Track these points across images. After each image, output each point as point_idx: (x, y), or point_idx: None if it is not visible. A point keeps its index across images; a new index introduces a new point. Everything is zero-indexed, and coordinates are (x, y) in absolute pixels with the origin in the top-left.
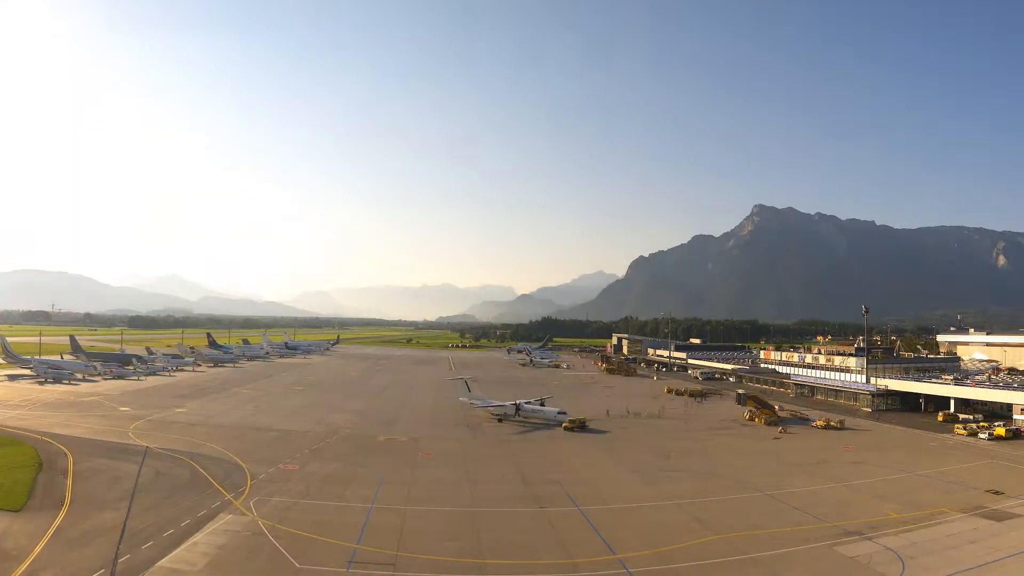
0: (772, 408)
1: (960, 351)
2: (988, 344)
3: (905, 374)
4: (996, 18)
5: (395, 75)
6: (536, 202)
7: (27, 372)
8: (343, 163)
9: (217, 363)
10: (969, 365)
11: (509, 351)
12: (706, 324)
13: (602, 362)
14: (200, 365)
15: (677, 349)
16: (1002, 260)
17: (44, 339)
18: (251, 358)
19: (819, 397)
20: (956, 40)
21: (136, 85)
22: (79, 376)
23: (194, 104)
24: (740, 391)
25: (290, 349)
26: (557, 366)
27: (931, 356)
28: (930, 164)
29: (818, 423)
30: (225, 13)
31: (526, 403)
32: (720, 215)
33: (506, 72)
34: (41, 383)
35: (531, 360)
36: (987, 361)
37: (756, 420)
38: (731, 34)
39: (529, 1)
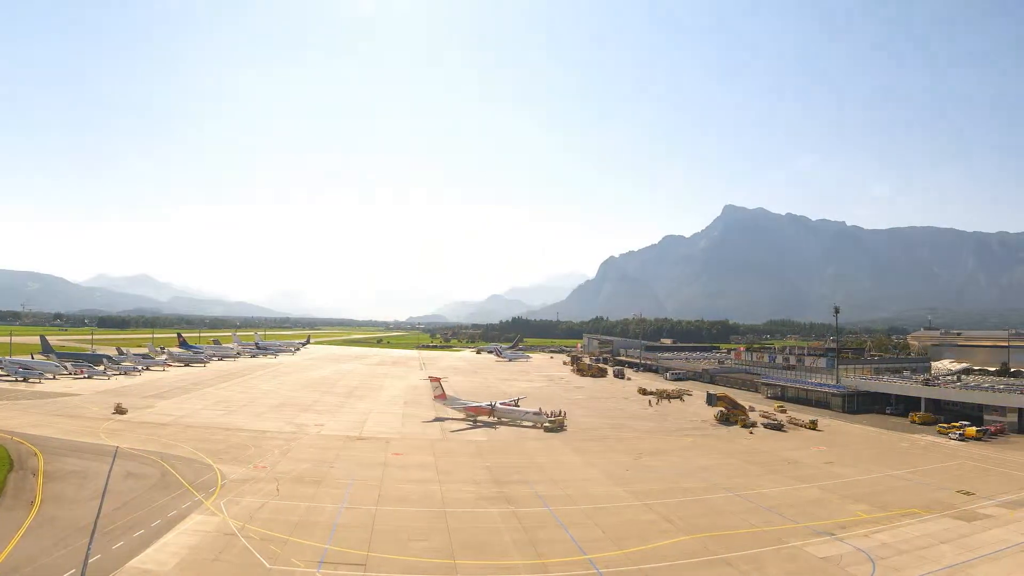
0: (743, 408)
1: (931, 351)
2: (958, 344)
3: (875, 375)
4: (970, 18)
5: (364, 76)
6: (507, 202)
7: None
8: (311, 165)
9: (188, 363)
10: (939, 365)
11: (479, 352)
12: (676, 324)
13: (572, 362)
14: (171, 365)
15: (648, 349)
16: (972, 261)
17: (14, 339)
18: (222, 358)
19: (790, 397)
20: (928, 39)
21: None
22: (50, 376)
23: (153, 101)
24: (710, 391)
25: (261, 349)
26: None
27: (902, 356)
28: (901, 165)
29: (788, 423)
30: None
31: (501, 403)
32: (690, 216)
33: (473, 72)
34: (11, 383)
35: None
36: (957, 361)
37: (728, 420)
38: (702, 38)
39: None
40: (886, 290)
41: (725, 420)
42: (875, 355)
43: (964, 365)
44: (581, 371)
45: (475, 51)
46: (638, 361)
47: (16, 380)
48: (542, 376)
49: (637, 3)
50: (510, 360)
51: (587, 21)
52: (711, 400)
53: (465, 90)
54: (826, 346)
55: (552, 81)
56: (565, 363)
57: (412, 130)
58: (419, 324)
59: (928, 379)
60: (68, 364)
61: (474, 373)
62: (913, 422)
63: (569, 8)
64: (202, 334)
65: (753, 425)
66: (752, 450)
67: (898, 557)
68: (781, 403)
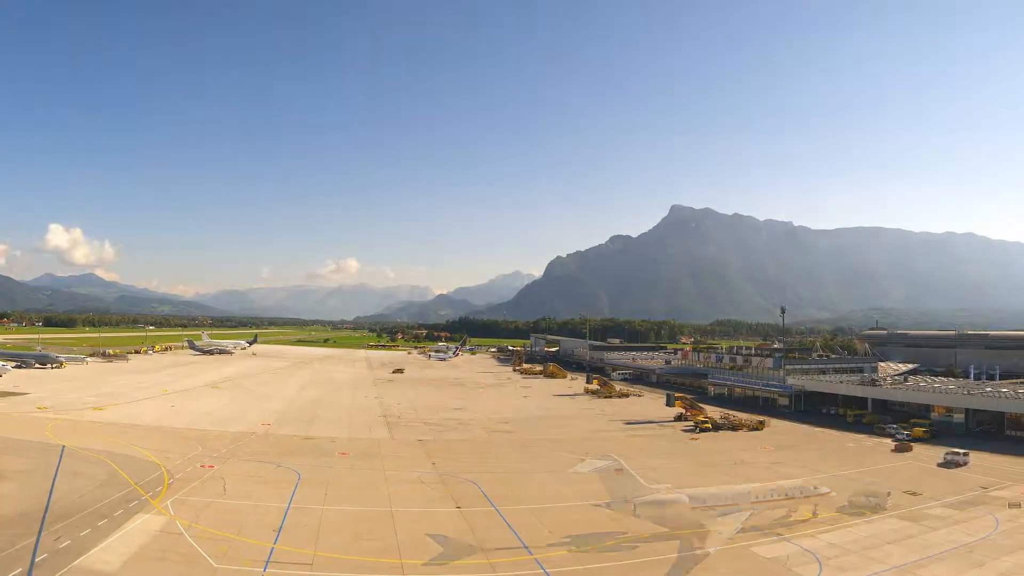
0: (702, 409)
1: (878, 352)
2: (905, 345)
3: (822, 375)
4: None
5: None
6: (453, 201)
7: None
8: (257, 162)
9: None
10: (886, 366)
11: (427, 353)
12: (624, 323)
13: (519, 363)
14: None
15: (594, 349)
16: (919, 261)
17: None
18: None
19: (737, 398)
20: (889, 36)
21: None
22: None
23: (105, 96)
24: (668, 392)
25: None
26: None
27: (849, 356)
28: (848, 166)
29: (733, 424)
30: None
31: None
32: (637, 215)
33: (425, 72)
34: None
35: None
36: (905, 362)
37: (683, 419)
38: (650, 37)
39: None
40: (834, 290)
41: (680, 419)
42: (822, 355)
43: (912, 366)
44: (527, 371)
45: (428, 46)
46: (586, 361)
47: None
48: (488, 376)
49: (593, 4)
50: (455, 357)
51: (544, 23)
52: (670, 401)
53: (411, 93)
54: (773, 346)
55: (503, 81)
56: (514, 364)
57: (358, 132)
58: (366, 324)
59: (875, 379)
60: (12, 363)
61: (422, 371)
62: (860, 423)
63: (525, 9)
64: (148, 333)
65: (703, 425)
66: (700, 450)
67: (845, 557)
68: (727, 403)
